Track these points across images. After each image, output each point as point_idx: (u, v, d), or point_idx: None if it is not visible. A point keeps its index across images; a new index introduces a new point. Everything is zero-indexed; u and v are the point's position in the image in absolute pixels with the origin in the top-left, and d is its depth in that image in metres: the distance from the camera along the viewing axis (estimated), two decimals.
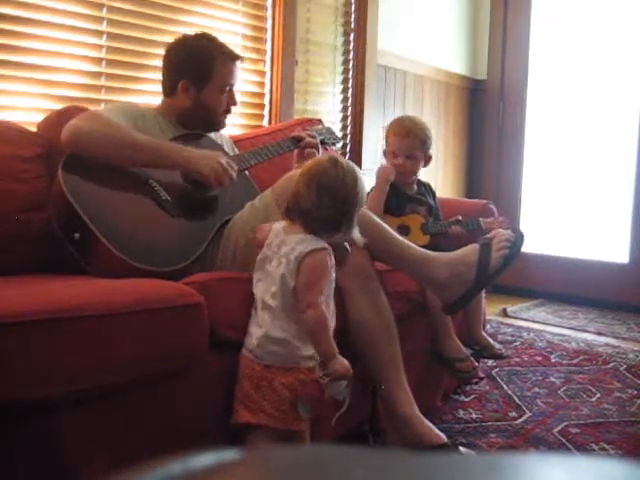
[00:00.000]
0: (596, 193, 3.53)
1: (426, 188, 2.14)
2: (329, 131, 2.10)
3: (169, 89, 1.77)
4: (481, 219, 1.98)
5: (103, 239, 1.37)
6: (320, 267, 1.23)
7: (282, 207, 1.33)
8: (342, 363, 1.21)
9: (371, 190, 2.01)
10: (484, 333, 1.96)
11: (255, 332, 1.24)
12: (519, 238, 1.52)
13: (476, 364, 1.81)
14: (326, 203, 1.24)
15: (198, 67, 1.73)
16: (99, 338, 1.06)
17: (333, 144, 2.14)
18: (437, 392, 1.89)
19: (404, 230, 1.94)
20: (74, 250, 1.42)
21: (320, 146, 1.88)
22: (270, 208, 1.48)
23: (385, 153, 2.10)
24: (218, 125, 1.82)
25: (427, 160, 2.06)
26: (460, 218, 2.00)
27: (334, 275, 1.29)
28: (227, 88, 1.77)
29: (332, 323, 1.28)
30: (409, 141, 2.00)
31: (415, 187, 2.09)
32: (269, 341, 1.21)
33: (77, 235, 1.40)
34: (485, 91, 3.84)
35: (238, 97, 1.86)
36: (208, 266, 1.53)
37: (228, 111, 1.81)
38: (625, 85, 3.42)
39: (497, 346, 1.98)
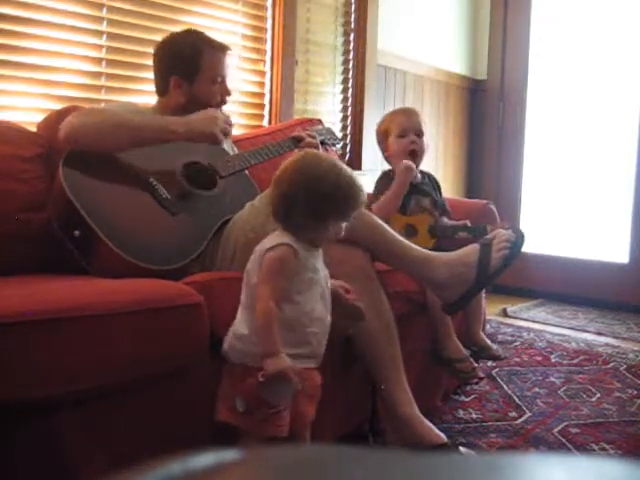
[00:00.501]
0: (596, 193, 3.53)
1: (430, 179, 2.14)
2: (329, 131, 2.10)
3: (162, 88, 1.78)
4: (488, 226, 1.96)
5: (103, 237, 1.37)
6: (276, 262, 1.16)
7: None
8: (277, 364, 1.10)
9: (376, 188, 2.00)
10: (483, 334, 1.96)
11: (230, 329, 1.22)
12: (519, 238, 1.52)
13: (476, 364, 1.81)
14: (290, 199, 1.18)
15: (186, 61, 1.73)
16: (99, 338, 1.06)
17: (333, 144, 2.14)
18: (437, 392, 1.89)
19: (411, 231, 1.93)
20: (74, 248, 1.42)
21: (320, 146, 1.88)
22: (270, 208, 1.48)
23: (383, 149, 2.09)
24: None
25: None
26: (468, 224, 1.98)
27: (313, 275, 1.22)
28: (219, 79, 1.77)
29: (321, 327, 1.22)
30: (417, 117, 2.07)
31: (419, 176, 2.08)
32: (235, 338, 1.19)
33: (77, 232, 1.40)
34: (485, 91, 3.84)
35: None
36: (208, 265, 1.53)
37: (223, 102, 1.81)
38: (625, 85, 3.42)
39: (495, 348, 1.98)
